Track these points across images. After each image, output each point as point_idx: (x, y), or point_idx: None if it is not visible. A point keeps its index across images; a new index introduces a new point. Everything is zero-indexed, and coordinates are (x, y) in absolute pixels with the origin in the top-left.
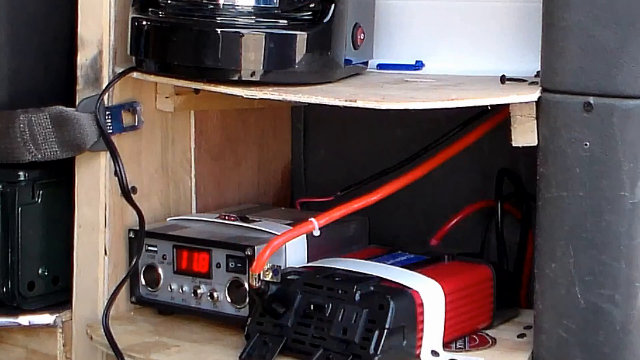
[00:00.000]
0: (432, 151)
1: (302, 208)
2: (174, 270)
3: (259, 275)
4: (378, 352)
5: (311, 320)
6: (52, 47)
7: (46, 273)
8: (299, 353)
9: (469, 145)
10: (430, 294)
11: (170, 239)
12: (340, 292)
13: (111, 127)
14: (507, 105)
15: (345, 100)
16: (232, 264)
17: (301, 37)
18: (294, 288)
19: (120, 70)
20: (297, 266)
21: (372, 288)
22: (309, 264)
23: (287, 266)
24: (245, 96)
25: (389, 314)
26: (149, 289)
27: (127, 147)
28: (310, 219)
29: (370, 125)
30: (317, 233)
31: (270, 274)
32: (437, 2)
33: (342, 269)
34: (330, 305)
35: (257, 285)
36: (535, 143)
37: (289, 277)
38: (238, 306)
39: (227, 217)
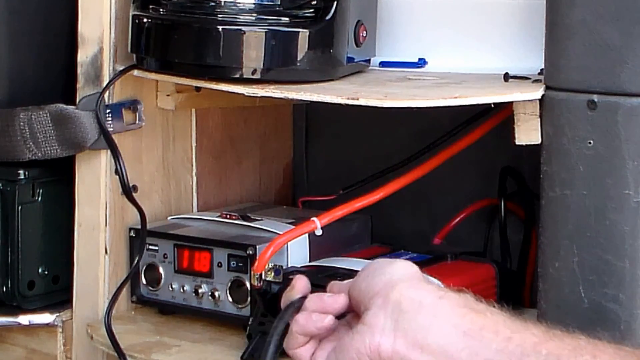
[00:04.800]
0: (435, 149)
1: (304, 206)
2: (174, 269)
3: (261, 275)
4: None
5: None
6: (52, 45)
7: (46, 272)
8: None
9: (471, 144)
10: None
11: (171, 238)
12: None
13: (112, 126)
14: (510, 103)
15: (348, 98)
16: (233, 264)
17: (303, 34)
18: None
19: (121, 68)
20: (299, 265)
21: None
22: (311, 264)
23: (289, 265)
24: (246, 94)
25: None
26: (150, 288)
27: (128, 145)
28: (312, 219)
29: (373, 124)
30: (319, 232)
31: (272, 273)
32: None
33: (345, 268)
34: None
35: (259, 285)
36: (538, 141)
37: (290, 277)
38: (239, 306)
39: (228, 216)
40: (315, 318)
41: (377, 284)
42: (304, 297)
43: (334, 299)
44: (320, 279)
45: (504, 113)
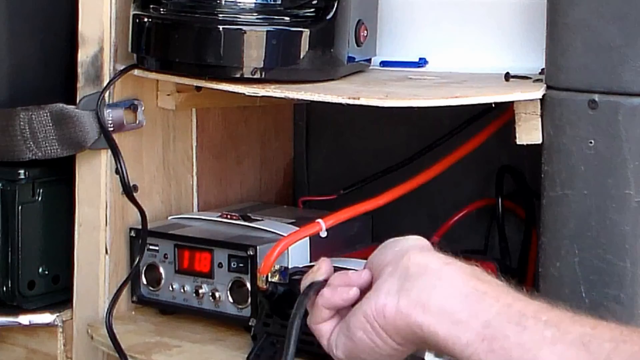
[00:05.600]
0: (439, 153)
1: (304, 206)
2: (175, 269)
3: (267, 276)
4: None
5: None
6: (52, 44)
7: (46, 272)
8: (307, 354)
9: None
10: None
11: (171, 238)
12: None
13: (112, 125)
14: (511, 104)
15: (348, 98)
16: (234, 264)
17: (304, 34)
18: None
19: (122, 68)
20: (301, 266)
21: None
22: (314, 264)
23: (291, 266)
24: (247, 94)
25: None
26: (150, 288)
27: (128, 145)
28: (317, 220)
29: (373, 123)
30: (324, 234)
31: (278, 275)
32: None
33: (348, 268)
34: None
35: (265, 287)
36: (539, 141)
37: (294, 277)
38: (240, 306)
39: (229, 216)
40: (341, 290)
41: (388, 255)
42: (325, 280)
43: (358, 274)
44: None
45: (508, 113)
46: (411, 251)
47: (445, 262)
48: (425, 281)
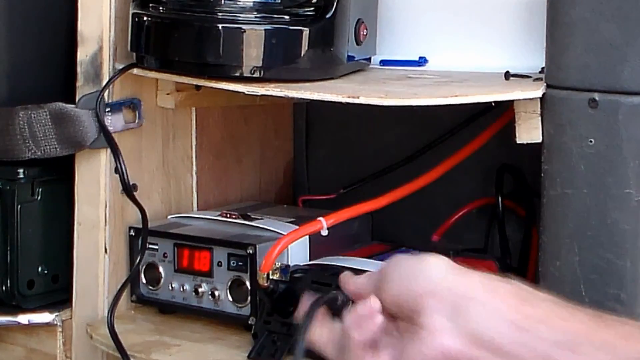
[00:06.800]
0: (440, 152)
1: (304, 205)
2: (174, 268)
3: (268, 274)
4: None
5: None
6: (51, 43)
7: (46, 271)
8: (308, 351)
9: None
10: None
11: (171, 237)
12: None
13: (112, 124)
14: (512, 103)
15: (348, 97)
16: (233, 263)
17: (303, 33)
18: (302, 286)
19: (121, 67)
20: (302, 264)
21: None
22: (314, 262)
23: (291, 264)
24: (246, 93)
25: None
26: (150, 287)
27: (128, 144)
28: (319, 218)
29: (373, 122)
30: (325, 233)
31: (279, 273)
32: None
33: (350, 267)
34: None
35: (265, 284)
36: (539, 140)
37: (295, 275)
38: (239, 305)
39: (228, 215)
40: (365, 324)
41: (418, 285)
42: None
43: (372, 307)
44: (326, 278)
45: (508, 114)
46: (447, 279)
47: (489, 289)
48: (477, 316)
